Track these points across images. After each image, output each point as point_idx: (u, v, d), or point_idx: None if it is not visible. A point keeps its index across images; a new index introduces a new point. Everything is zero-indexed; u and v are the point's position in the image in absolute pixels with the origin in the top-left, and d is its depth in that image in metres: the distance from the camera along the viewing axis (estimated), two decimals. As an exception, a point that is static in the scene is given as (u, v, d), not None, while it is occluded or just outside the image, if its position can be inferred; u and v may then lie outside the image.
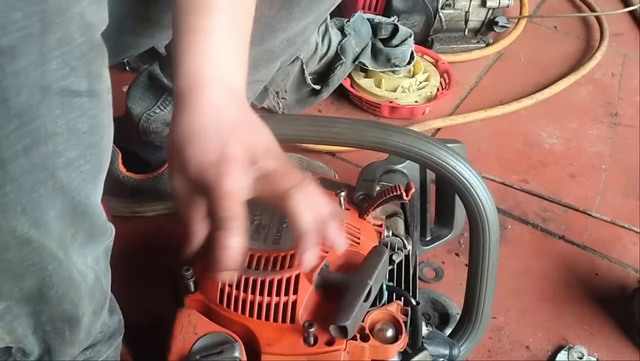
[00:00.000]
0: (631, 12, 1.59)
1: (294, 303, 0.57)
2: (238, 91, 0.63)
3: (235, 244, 0.55)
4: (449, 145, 0.68)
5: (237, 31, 0.64)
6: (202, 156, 0.57)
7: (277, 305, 0.57)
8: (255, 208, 0.62)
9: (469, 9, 1.38)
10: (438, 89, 1.27)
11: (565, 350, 0.85)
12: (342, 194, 0.68)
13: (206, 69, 0.60)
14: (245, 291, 0.58)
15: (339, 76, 1.20)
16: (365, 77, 1.26)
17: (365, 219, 0.68)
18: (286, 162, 0.59)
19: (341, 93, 1.26)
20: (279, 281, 0.58)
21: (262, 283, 0.58)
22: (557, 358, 0.84)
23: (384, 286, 0.60)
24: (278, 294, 0.58)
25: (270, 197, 0.57)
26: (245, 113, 0.62)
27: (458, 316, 0.81)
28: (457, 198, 0.70)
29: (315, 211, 0.56)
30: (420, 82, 1.26)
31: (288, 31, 0.85)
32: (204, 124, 0.58)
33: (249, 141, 0.58)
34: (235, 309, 0.58)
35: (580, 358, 0.84)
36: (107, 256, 0.56)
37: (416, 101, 1.24)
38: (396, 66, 1.23)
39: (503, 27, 1.41)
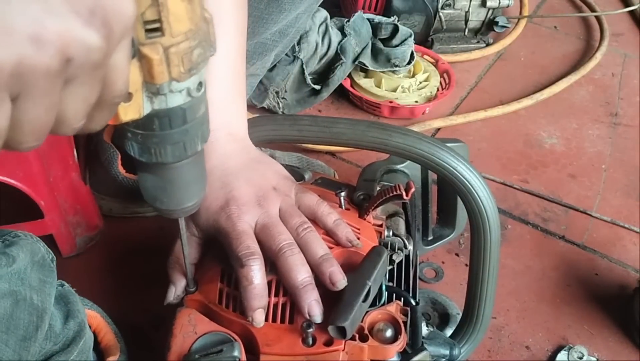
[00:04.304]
0: (631, 12, 1.59)
1: (293, 304, 0.57)
2: (241, 135, 0.65)
3: (259, 279, 0.56)
4: (451, 144, 0.68)
5: (234, 72, 0.65)
6: (210, 201, 0.59)
7: (275, 305, 0.57)
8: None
9: (469, 9, 1.38)
10: (438, 89, 1.26)
11: (565, 350, 0.85)
12: (342, 194, 0.68)
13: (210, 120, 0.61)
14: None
15: (339, 76, 1.20)
16: (365, 77, 1.26)
17: (365, 219, 0.68)
18: (292, 203, 0.61)
19: (341, 93, 1.26)
20: (278, 282, 0.58)
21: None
22: (557, 358, 0.84)
23: (384, 286, 0.60)
24: (277, 294, 0.58)
25: (264, 250, 0.58)
26: (250, 155, 0.64)
27: (458, 317, 0.81)
28: (458, 197, 0.69)
29: (308, 261, 0.57)
30: (420, 82, 1.26)
31: (279, 22, 0.85)
32: (210, 171, 0.59)
33: (253, 183, 0.60)
34: (235, 309, 0.58)
35: (580, 358, 0.84)
36: (41, 268, 0.54)
37: (416, 101, 1.24)
38: (396, 66, 1.23)
39: (503, 27, 1.41)
